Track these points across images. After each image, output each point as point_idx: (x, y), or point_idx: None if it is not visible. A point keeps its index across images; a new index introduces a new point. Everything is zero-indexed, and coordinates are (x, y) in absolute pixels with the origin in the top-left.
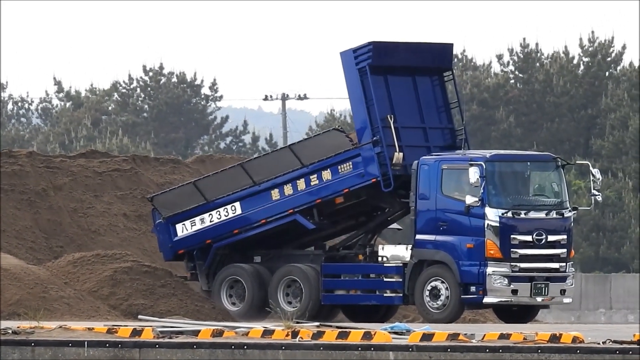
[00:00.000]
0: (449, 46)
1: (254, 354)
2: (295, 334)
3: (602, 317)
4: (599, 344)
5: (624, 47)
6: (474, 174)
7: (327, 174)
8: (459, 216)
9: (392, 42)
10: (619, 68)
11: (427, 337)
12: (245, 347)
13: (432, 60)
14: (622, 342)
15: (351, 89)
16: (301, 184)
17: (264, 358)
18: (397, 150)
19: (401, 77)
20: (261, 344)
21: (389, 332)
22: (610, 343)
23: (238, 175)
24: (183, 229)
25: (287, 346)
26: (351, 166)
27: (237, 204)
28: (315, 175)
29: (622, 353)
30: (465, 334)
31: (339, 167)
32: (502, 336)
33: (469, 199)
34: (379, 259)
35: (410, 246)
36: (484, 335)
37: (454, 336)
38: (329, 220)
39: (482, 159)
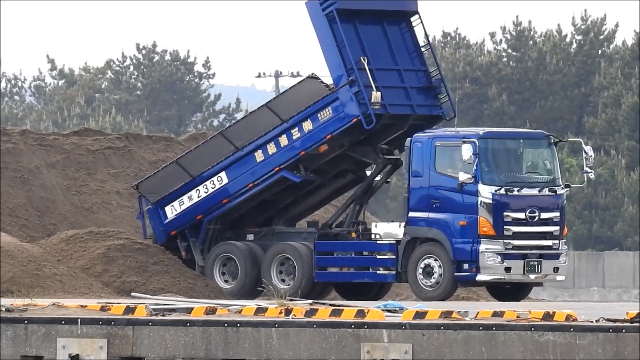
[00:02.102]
0: None
1: (247, 332)
2: (288, 312)
3: (596, 295)
4: (592, 322)
5: (616, 25)
6: (467, 151)
7: (307, 125)
8: (452, 193)
9: None
10: (611, 46)
11: (420, 315)
12: (238, 324)
13: (397, 4)
14: (615, 320)
15: (322, 37)
16: (283, 140)
17: (257, 336)
18: (375, 89)
19: (370, 25)
20: (254, 321)
21: (382, 310)
22: (604, 321)
23: (220, 145)
24: (172, 211)
25: (280, 324)
26: (331, 111)
27: (223, 174)
28: (297, 128)
29: (616, 331)
30: (459, 312)
31: (319, 114)
32: (496, 314)
33: (462, 176)
34: (372, 236)
35: (403, 223)
36: (477, 313)
37: (447, 314)
38: (317, 174)
39: (475, 136)
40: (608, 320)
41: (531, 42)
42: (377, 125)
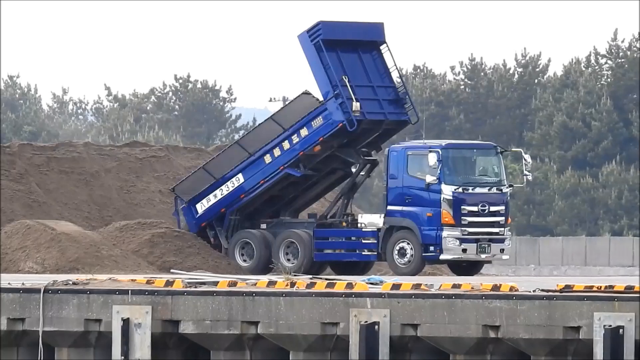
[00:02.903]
0: (381, 24)
1: (261, 300)
2: (293, 284)
3: (532, 271)
4: (530, 292)
5: (549, 60)
6: (432, 158)
7: (304, 131)
8: (420, 191)
9: (336, 21)
10: (545, 76)
11: (396, 286)
12: (254, 294)
13: (369, 34)
14: (548, 291)
15: (312, 63)
16: (286, 144)
17: (269, 303)
18: (355, 100)
19: (349, 53)
20: (266, 292)
21: (367, 283)
22: (539, 291)
23: (237, 151)
24: (202, 207)
25: (286, 294)
26: (322, 119)
27: (240, 175)
28: (295, 134)
29: (548, 299)
30: (426, 284)
31: (312, 122)
32: (455, 286)
33: (429, 178)
34: (359, 225)
35: (383, 215)
36: (440, 285)
37: (417, 286)
38: (313, 171)
39: (439, 147)
40: (542, 290)
41: (483, 74)
42: (358, 129)
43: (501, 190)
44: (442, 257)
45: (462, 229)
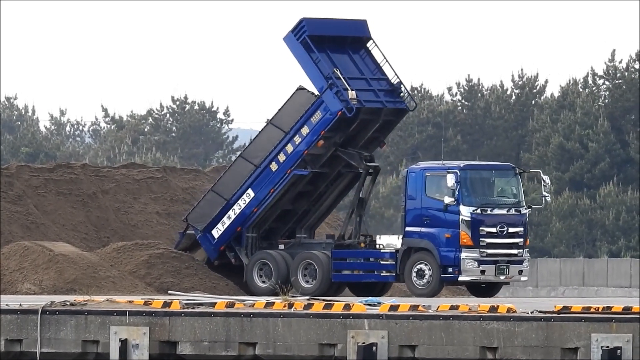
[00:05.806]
0: (364, 21)
1: (259, 321)
2: (290, 305)
3: (530, 292)
4: (527, 313)
5: (546, 81)
6: (450, 179)
7: (305, 129)
8: (439, 212)
9: (320, 18)
10: (542, 97)
11: (394, 307)
12: (251, 315)
13: (354, 31)
14: (545, 312)
15: (302, 61)
16: (289, 147)
17: (266, 324)
18: (350, 89)
19: (339, 53)
20: (264, 313)
21: (364, 304)
22: (537, 312)
23: (242, 165)
24: (217, 232)
25: (284, 315)
26: (320, 113)
27: (250, 190)
28: (297, 135)
29: (546, 320)
30: (424, 306)
31: (312, 118)
32: (452, 307)
33: (447, 199)
34: (377, 246)
35: (401, 236)
36: (438, 306)
37: (414, 307)
38: (320, 169)
39: (457, 168)
40: (540, 312)
41: (480, 95)
42: (357, 118)
43: (520, 211)
44: (460, 278)
45: (481, 250)
